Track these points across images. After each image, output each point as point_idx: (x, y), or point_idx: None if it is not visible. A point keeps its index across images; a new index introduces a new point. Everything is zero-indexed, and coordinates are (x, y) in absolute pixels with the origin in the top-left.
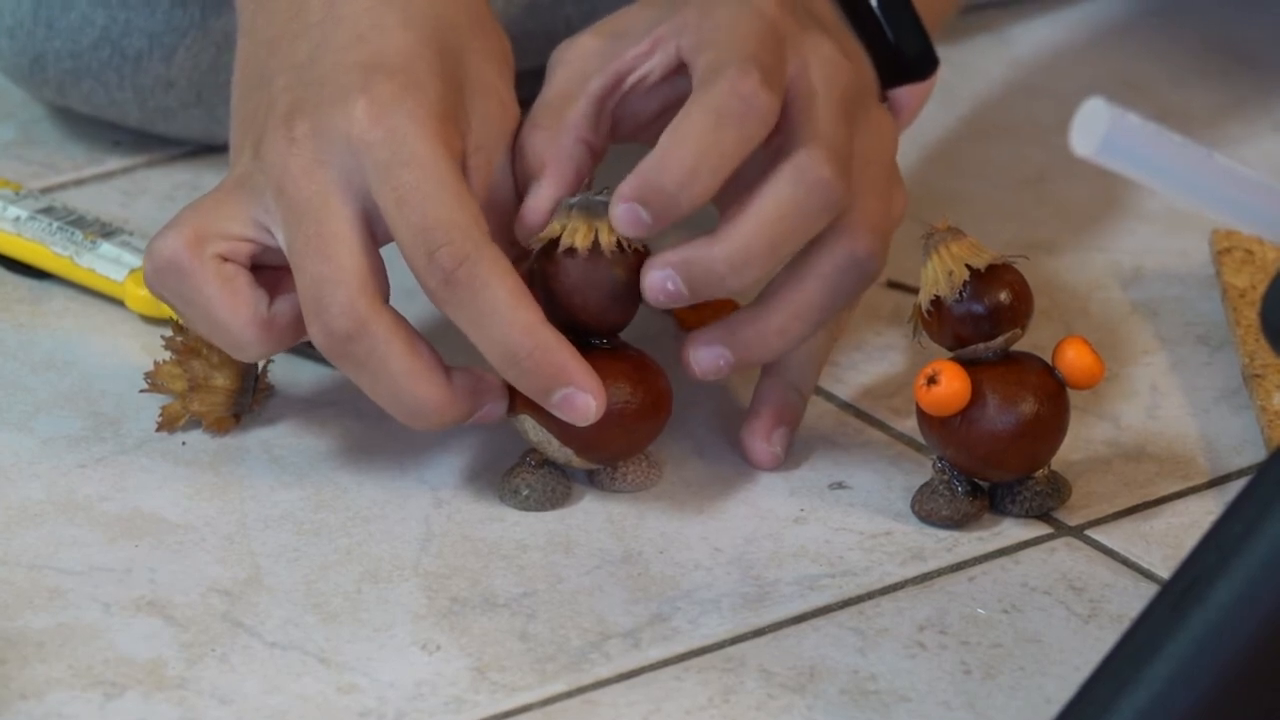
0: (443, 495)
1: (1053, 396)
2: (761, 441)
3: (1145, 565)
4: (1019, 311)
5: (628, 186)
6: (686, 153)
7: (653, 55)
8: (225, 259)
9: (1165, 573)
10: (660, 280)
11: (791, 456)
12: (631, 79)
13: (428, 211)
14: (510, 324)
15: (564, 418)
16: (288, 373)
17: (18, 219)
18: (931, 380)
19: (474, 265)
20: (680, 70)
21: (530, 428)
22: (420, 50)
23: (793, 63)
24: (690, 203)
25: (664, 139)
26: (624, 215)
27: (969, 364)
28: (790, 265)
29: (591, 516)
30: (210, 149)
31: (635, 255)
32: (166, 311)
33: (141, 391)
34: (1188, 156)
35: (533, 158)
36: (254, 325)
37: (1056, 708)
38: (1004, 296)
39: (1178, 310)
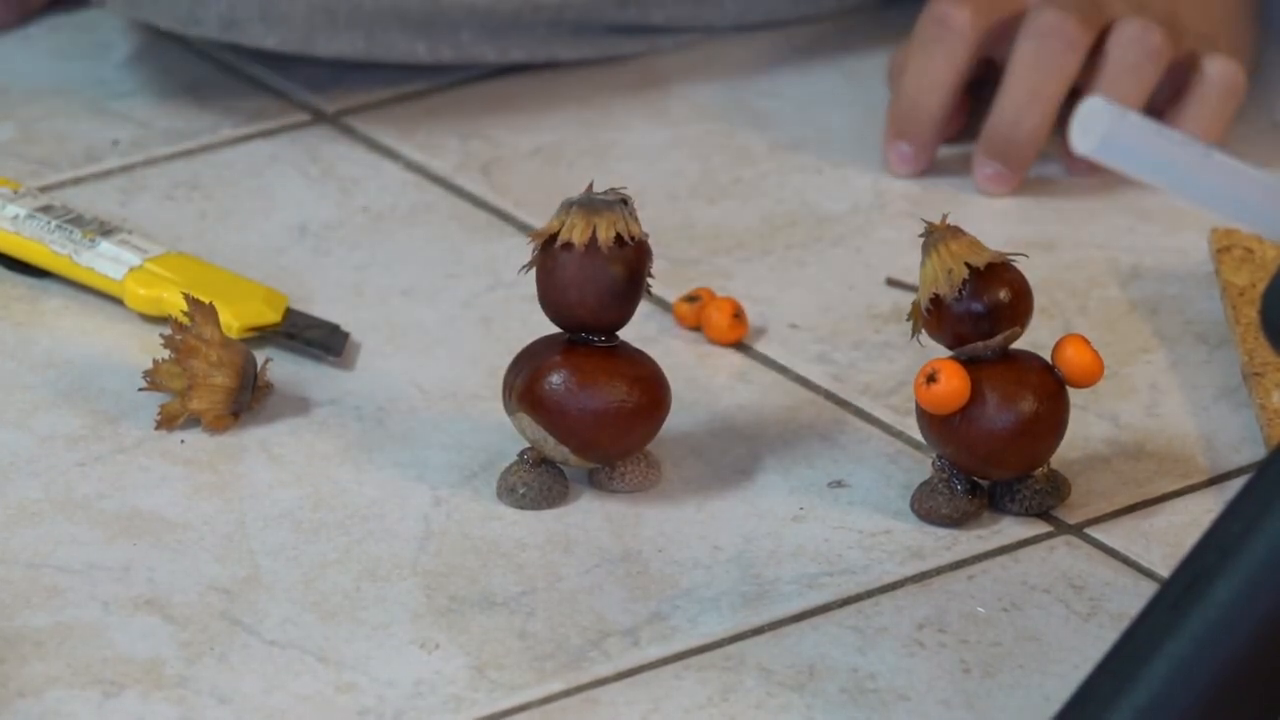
0: (441, 494)
1: (1052, 395)
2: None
3: (1145, 564)
4: (1018, 310)
5: (983, 149)
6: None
7: None
8: None
9: (1165, 571)
10: (982, 172)
11: (790, 455)
12: None
13: None
14: None
15: None
16: (287, 371)
17: (16, 217)
18: (931, 379)
19: None
20: None
21: (527, 426)
22: None
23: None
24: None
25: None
26: (989, 178)
27: (968, 362)
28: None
29: (590, 515)
30: (207, 147)
31: (634, 252)
32: (165, 310)
33: (140, 390)
34: (1187, 154)
35: None
36: None
37: (1056, 706)
38: (1003, 295)
39: (1177, 308)
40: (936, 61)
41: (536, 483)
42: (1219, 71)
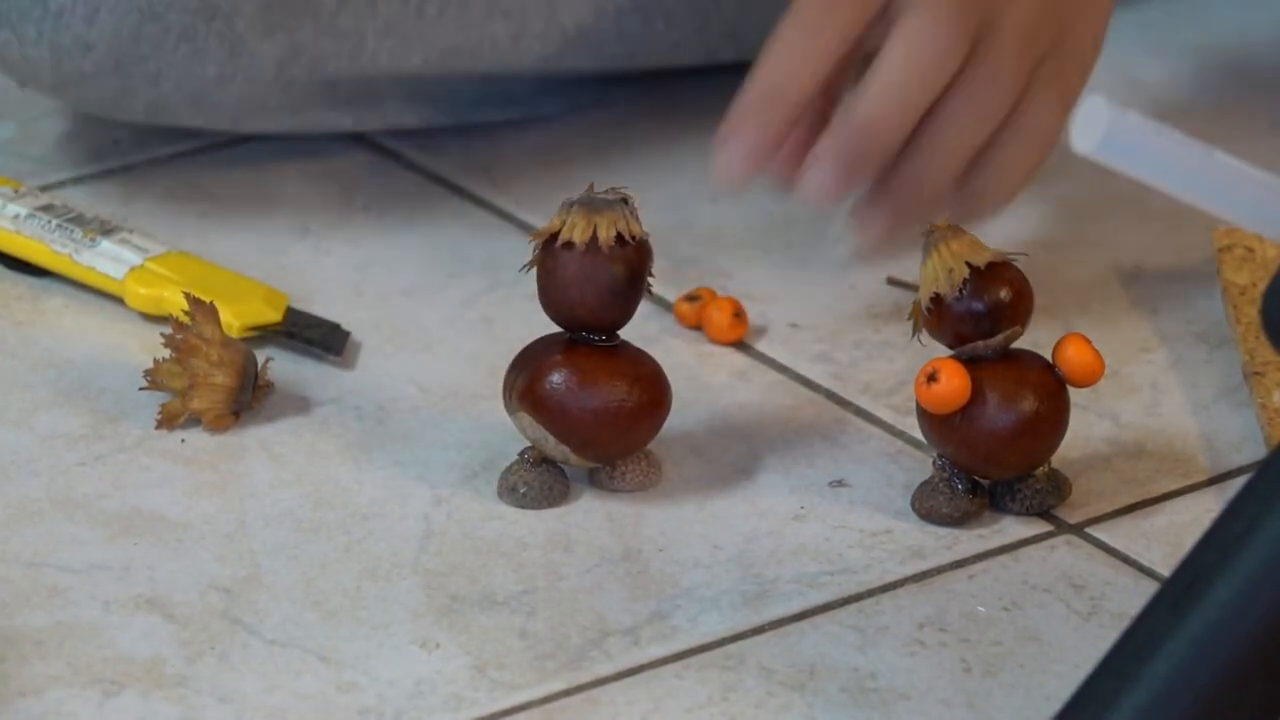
0: (442, 493)
1: (1053, 394)
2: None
3: (1145, 563)
4: (1019, 309)
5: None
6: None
7: None
8: None
9: (1165, 570)
10: (815, 175)
11: (790, 454)
12: None
13: None
14: None
15: None
16: (288, 370)
17: (17, 217)
18: (931, 378)
19: None
20: None
21: (528, 425)
22: None
23: None
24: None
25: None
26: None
27: (969, 362)
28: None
29: (591, 514)
30: (207, 147)
31: (635, 252)
32: (166, 309)
33: (141, 389)
34: (1188, 154)
35: None
36: None
37: (1056, 706)
38: (1004, 294)
39: (1178, 308)
40: (824, 29)
41: (537, 482)
42: (1040, 116)
